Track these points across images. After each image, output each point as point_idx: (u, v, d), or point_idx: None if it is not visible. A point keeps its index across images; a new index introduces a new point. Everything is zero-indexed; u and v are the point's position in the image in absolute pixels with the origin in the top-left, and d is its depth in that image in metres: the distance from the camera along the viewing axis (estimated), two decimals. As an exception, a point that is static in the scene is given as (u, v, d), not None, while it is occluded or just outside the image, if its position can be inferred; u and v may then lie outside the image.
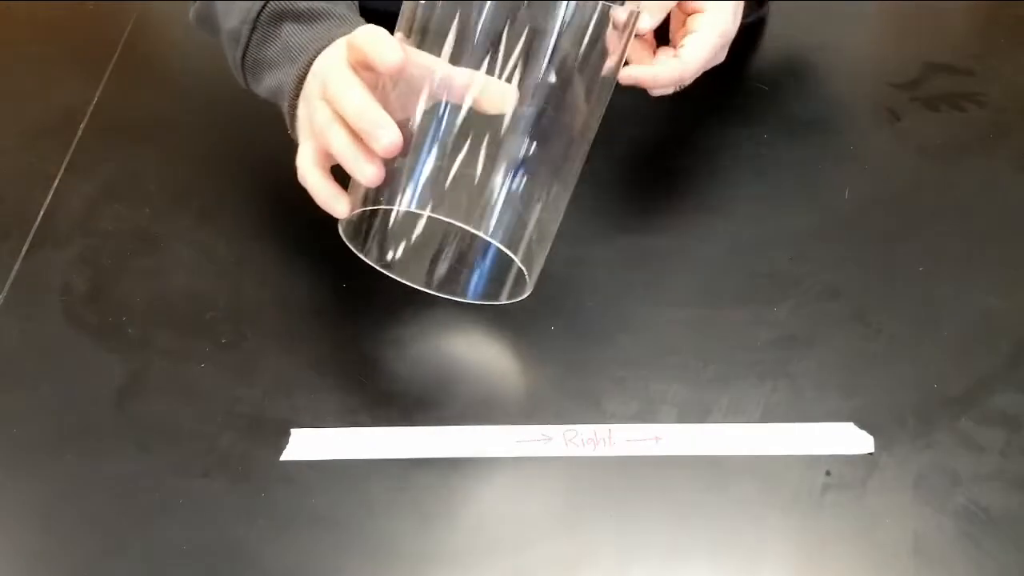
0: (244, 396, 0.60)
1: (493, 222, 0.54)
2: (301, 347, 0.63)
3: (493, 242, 0.54)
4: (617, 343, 0.63)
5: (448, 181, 0.53)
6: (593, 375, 0.61)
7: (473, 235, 0.56)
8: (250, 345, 0.63)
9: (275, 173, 0.75)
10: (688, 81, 0.67)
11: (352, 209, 0.56)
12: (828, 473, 0.55)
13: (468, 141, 0.53)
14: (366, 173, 0.53)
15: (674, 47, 0.67)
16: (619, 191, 0.73)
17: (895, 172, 0.74)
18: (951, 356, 0.61)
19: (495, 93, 0.53)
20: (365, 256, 0.61)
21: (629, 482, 0.56)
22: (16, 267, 0.69)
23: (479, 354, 0.63)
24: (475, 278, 0.63)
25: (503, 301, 0.61)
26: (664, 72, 0.65)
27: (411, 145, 0.53)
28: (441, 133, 0.54)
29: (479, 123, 0.53)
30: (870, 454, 0.56)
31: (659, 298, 0.65)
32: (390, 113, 0.53)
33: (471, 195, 0.54)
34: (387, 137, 0.52)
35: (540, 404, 0.60)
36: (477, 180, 0.54)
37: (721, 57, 0.69)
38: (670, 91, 0.67)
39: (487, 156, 0.54)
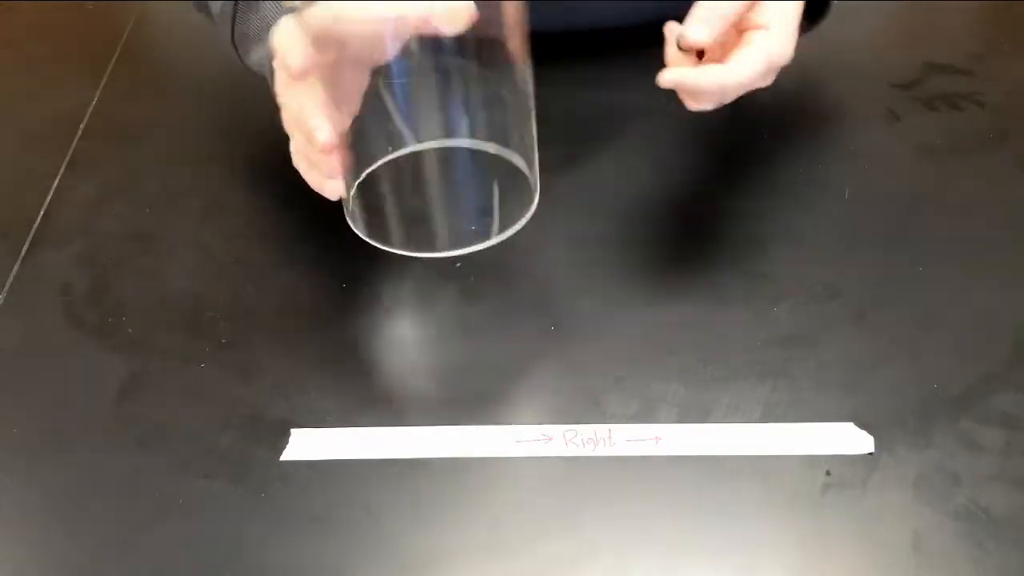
0: (244, 396, 0.60)
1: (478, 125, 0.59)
2: (301, 347, 0.63)
3: (492, 149, 0.58)
4: (617, 343, 0.62)
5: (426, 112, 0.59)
6: (593, 375, 0.61)
7: (463, 177, 0.61)
8: (250, 345, 0.63)
9: (275, 173, 0.75)
10: (730, 97, 0.63)
11: (342, 191, 0.58)
12: (828, 473, 0.55)
13: (432, 74, 0.58)
14: (322, 170, 0.58)
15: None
16: (618, 191, 0.73)
17: (895, 172, 0.74)
18: (951, 356, 0.61)
19: (450, 11, 0.53)
20: (370, 238, 0.60)
21: (629, 482, 0.56)
22: (16, 267, 0.69)
23: (479, 354, 0.63)
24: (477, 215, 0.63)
25: (514, 227, 0.61)
26: (706, 78, 0.61)
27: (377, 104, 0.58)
28: (404, 80, 0.57)
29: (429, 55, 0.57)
30: (870, 454, 0.56)
31: (659, 298, 0.65)
32: (356, 66, 0.57)
33: (444, 115, 0.59)
34: (321, 137, 0.55)
35: (540, 404, 0.60)
36: (449, 98, 0.59)
37: (767, 80, 0.65)
38: (710, 106, 0.63)
39: (450, 78, 0.58)
